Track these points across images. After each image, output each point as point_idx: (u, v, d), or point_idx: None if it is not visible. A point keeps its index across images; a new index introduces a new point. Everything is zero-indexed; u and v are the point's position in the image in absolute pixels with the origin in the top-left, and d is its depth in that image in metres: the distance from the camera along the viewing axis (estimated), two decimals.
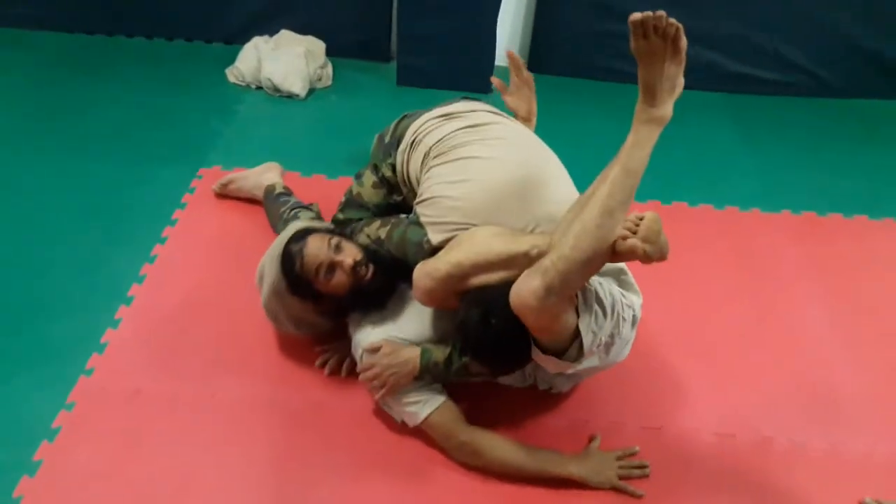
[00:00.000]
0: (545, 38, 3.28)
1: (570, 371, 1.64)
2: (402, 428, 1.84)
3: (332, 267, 1.77)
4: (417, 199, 1.83)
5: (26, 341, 2.02)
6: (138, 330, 2.07)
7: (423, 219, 1.77)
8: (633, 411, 1.98)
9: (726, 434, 1.95)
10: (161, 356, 2.01)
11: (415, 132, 1.93)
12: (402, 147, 1.95)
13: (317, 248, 1.78)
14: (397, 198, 1.99)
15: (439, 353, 1.74)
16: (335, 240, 1.81)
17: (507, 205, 1.70)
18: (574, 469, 1.76)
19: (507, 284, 1.49)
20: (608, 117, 3.11)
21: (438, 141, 1.85)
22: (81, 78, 3.12)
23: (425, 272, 1.65)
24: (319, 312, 1.89)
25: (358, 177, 2.05)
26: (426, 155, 1.86)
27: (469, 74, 3.15)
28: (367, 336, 1.82)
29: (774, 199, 2.78)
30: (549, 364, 1.60)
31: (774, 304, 2.34)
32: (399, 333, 1.81)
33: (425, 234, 1.74)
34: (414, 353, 1.75)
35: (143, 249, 2.31)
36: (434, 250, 1.71)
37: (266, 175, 2.47)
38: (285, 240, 1.86)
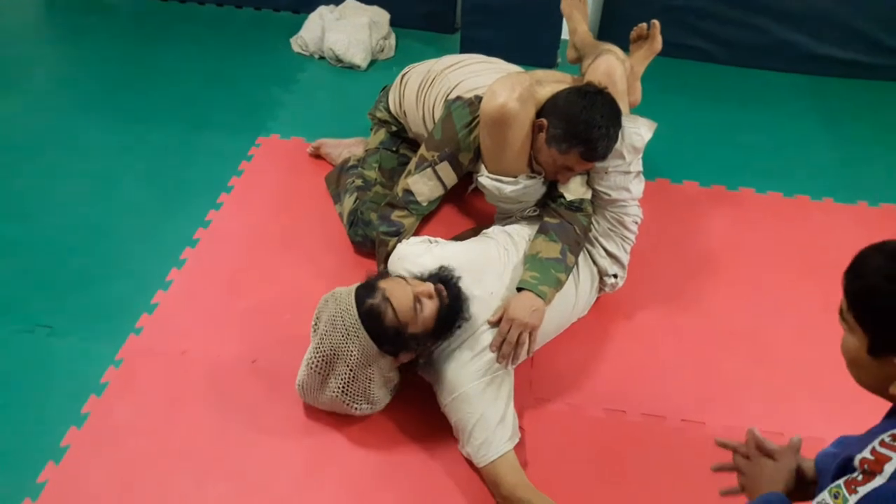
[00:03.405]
0: (615, 12, 3.17)
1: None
2: (436, 414, 1.81)
3: (419, 299, 1.68)
4: (447, 94, 2.10)
5: (84, 299, 2.10)
6: (188, 293, 2.12)
7: (464, 94, 2.05)
8: (675, 404, 1.91)
9: (774, 432, 1.84)
10: (207, 319, 2.06)
11: (402, 75, 2.33)
12: (391, 89, 2.36)
13: (400, 288, 1.68)
14: (394, 128, 2.38)
15: (536, 272, 1.82)
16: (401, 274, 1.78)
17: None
18: None
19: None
20: (676, 92, 3.04)
21: (431, 68, 2.23)
22: (152, 44, 3.20)
23: (619, 60, 2.00)
24: (399, 365, 1.76)
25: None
26: (423, 80, 2.21)
27: (534, 48, 3.09)
28: (468, 359, 1.75)
29: (851, 189, 2.63)
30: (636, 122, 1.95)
31: (838, 300, 2.21)
32: (489, 314, 1.79)
33: (469, 100, 2.02)
34: (524, 297, 1.77)
35: (199, 214, 2.37)
36: (479, 99, 1.98)
37: (352, 148, 2.52)
38: (346, 310, 1.67)
